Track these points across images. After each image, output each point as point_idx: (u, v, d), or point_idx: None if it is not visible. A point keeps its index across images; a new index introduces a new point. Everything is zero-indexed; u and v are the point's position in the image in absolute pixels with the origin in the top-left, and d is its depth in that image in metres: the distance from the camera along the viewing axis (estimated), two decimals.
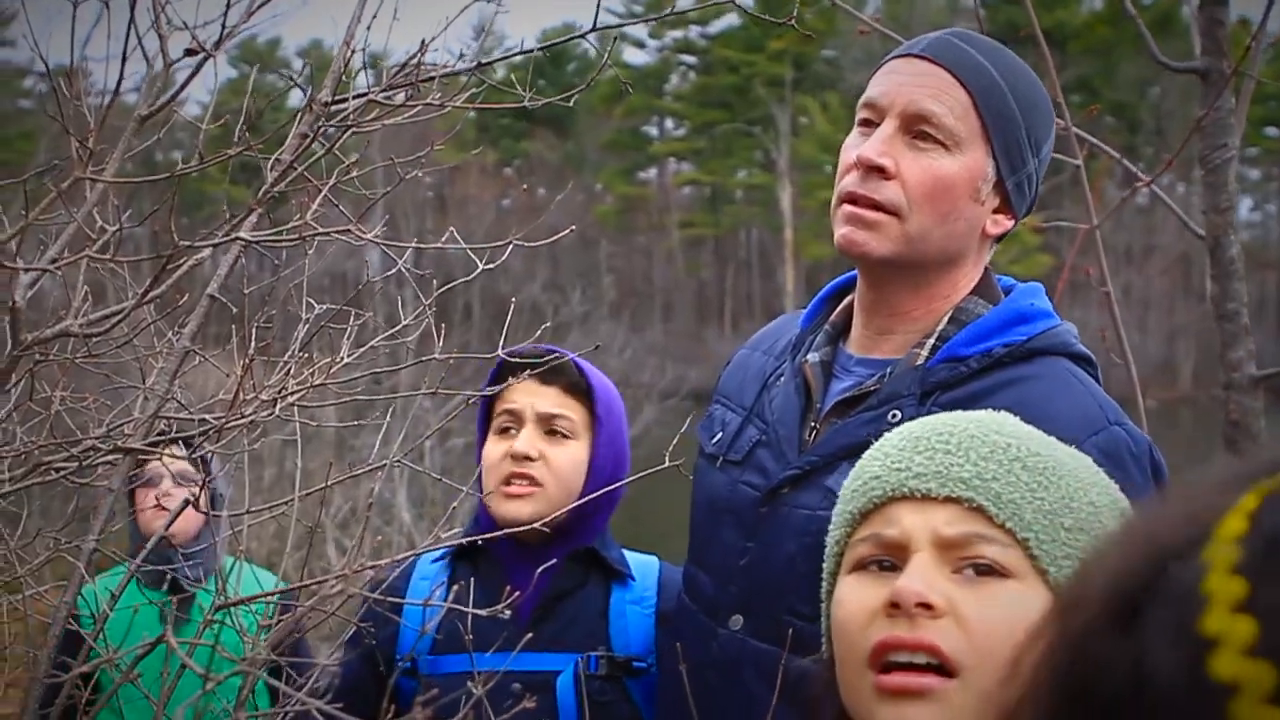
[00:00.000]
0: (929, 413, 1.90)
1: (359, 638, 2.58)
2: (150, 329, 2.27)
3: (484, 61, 2.04)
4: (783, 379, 2.28)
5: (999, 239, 2.22)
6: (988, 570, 1.38)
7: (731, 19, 52.17)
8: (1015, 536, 1.39)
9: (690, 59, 57.58)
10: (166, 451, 2.12)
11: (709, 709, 2.15)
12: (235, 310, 2.16)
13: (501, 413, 2.76)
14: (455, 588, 2.33)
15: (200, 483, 2.99)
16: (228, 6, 1.90)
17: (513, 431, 2.73)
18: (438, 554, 2.73)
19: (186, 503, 2.25)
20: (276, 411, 2.16)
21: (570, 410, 2.75)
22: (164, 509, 3.36)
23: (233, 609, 2.15)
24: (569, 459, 2.71)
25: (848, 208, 2.11)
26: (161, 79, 1.99)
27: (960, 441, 1.44)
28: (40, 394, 2.20)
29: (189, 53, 1.99)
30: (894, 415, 2.05)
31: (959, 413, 1.53)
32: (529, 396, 2.74)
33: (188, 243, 1.89)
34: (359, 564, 2.00)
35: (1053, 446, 1.48)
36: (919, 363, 2.11)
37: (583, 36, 2.31)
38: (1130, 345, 4.02)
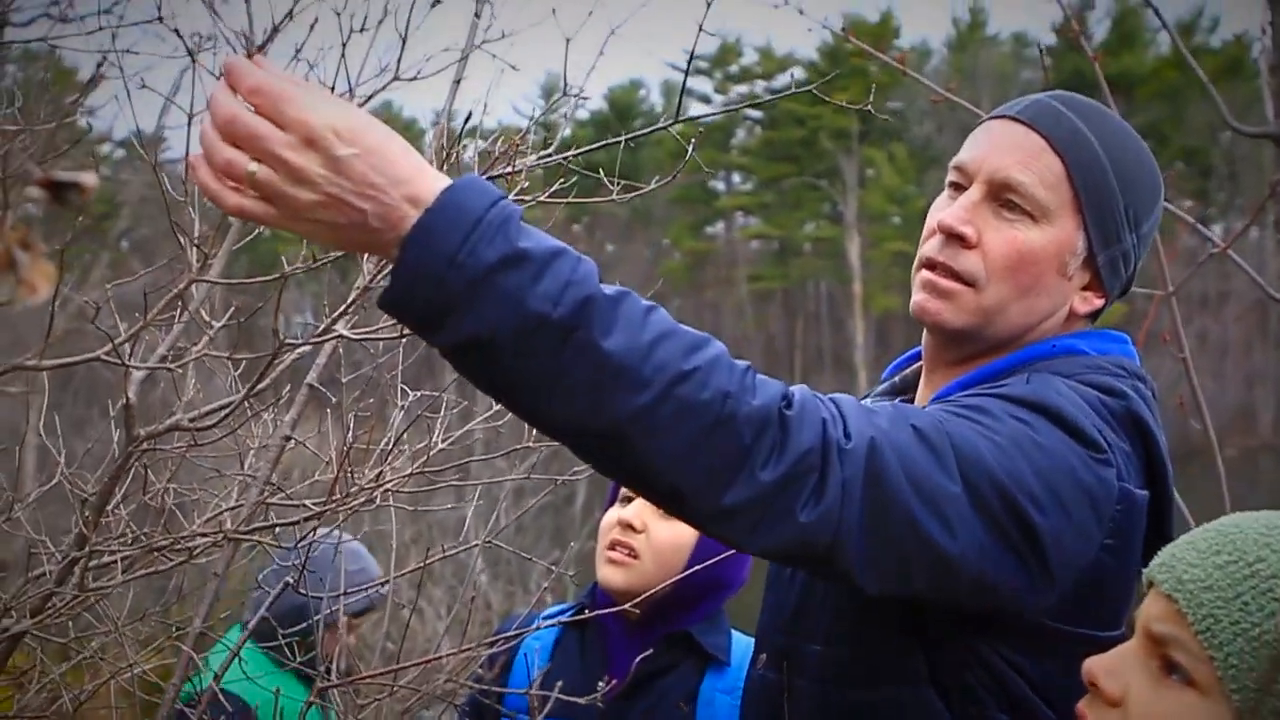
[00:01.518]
0: None
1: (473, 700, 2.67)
2: (255, 420, 2.36)
3: (568, 156, 2.11)
4: None
5: (1092, 317, 2.09)
6: (1176, 669, 1.42)
7: (797, 72, 52.37)
8: (1206, 651, 1.39)
9: (756, 113, 57.75)
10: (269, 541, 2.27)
11: None
12: (334, 400, 2.24)
13: None
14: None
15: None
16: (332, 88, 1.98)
17: (631, 501, 2.80)
18: (550, 612, 2.83)
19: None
20: (378, 501, 2.23)
21: None
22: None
23: None
24: (671, 538, 2.75)
25: (925, 274, 2.03)
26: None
27: (1211, 541, 1.45)
28: (151, 484, 2.28)
29: None
30: None
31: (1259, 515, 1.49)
32: None
33: (291, 341, 1.97)
34: (468, 646, 2.06)
35: None
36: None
37: (665, 128, 2.38)
38: (1206, 394, 4.01)
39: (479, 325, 1.52)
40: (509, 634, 2.52)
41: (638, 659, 2.41)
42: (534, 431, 2.35)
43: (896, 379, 2.25)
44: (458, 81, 2.49)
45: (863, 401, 1.92)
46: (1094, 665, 1.49)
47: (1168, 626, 1.43)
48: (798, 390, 1.68)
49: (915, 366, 2.24)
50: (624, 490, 2.82)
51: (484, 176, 2.19)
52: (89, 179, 1.18)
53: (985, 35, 53.36)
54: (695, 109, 59.30)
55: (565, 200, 2.30)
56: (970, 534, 1.69)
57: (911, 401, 2.16)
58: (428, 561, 2.45)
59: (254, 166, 1.47)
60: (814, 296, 55.54)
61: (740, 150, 58.02)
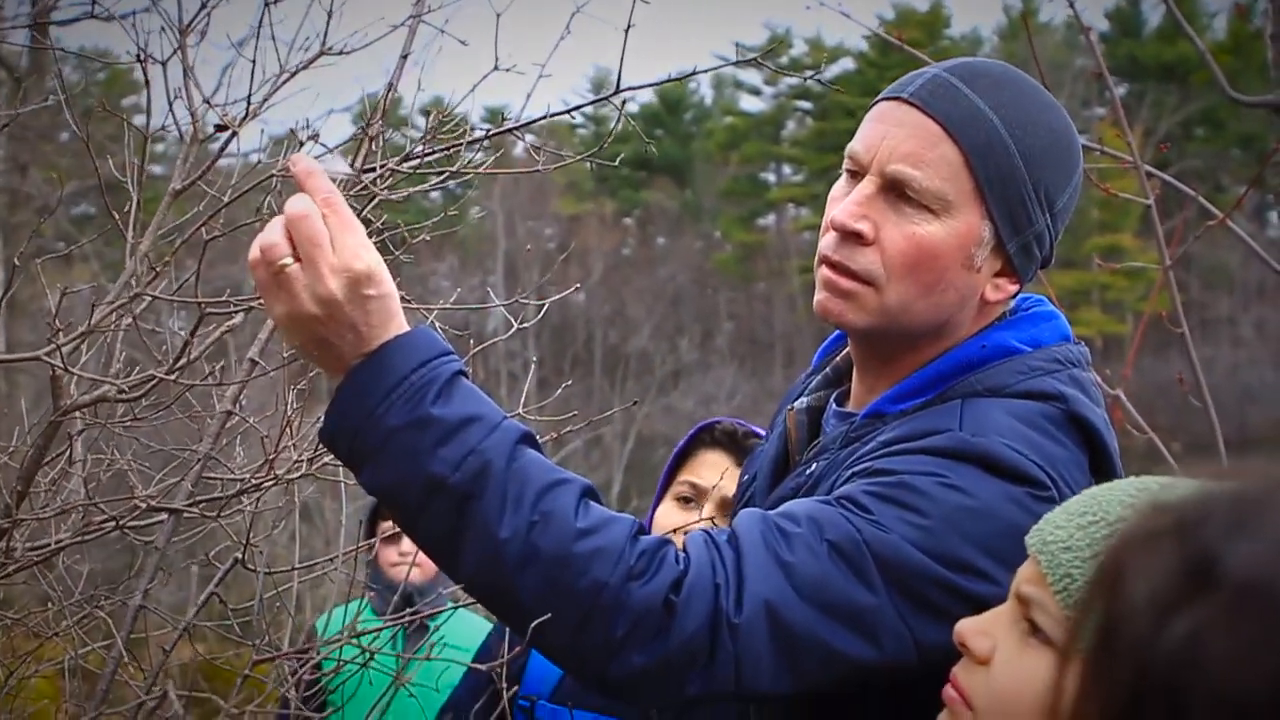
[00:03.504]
0: (843, 462, 1.90)
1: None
2: (198, 391, 2.36)
3: (566, 110, 2.10)
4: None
5: (1011, 300, 2.00)
6: (1038, 630, 1.42)
7: (846, 63, 51.95)
8: (1063, 611, 1.39)
9: (806, 105, 57.51)
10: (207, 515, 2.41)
11: None
12: (272, 374, 2.24)
13: (684, 481, 2.79)
14: None
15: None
16: (250, 89, 1.99)
17: (693, 505, 2.76)
18: None
19: None
20: (314, 469, 2.23)
21: None
22: (408, 563, 4.36)
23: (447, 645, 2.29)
24: None
25: (824, 271, 1.94)
26: (193, 153, 2.08)
27: (1082, 503, 1.45)
28: (97, 457, 2.30)
29: (219, 129, 2.09)
30: (813, 468, 1.97)
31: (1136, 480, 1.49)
32: (719, 479, 2.76)
33: (212, 309, 1.97)
34: None
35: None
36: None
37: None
38: (1266, 383, 3.96)
39: (384, 478, 1.67)
40: None
41: None
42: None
43: (829, 370, 2.20)
44: (405, 56, 2.47)
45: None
46: (964, 626, 1.48)
47: (1032, 588, 1.42)
48: (694, 559, 1.70)
49: (847, 351, 2.18)
50: (679, 488, 2.80)
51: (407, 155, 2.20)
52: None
53: (1038, 23, 52.82)
54: (744, 101, 59.00)
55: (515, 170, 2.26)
56: (896, 637, 1.71)
57: (847, 395, 2.12)
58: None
59: (289, 261, 1.64)
60: None
61: (791, 142, 57.79)
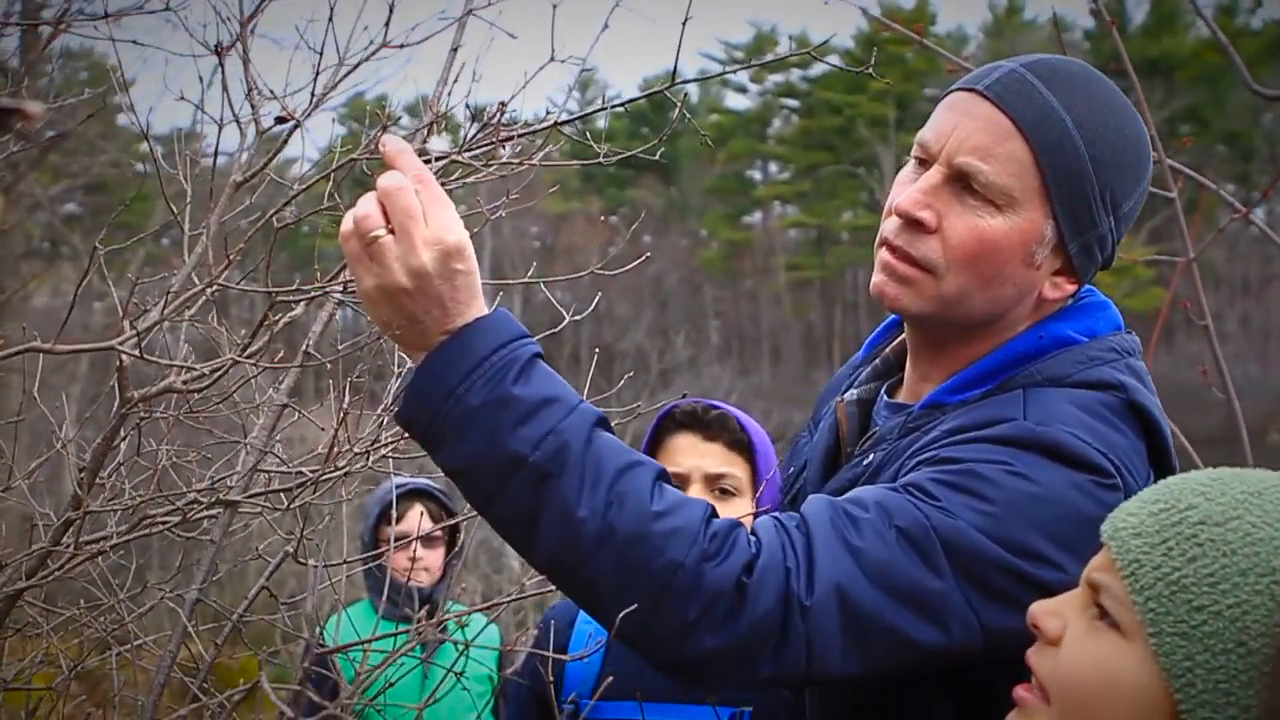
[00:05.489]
0: (903, 451, 1.91)
1: (526, 674, 2.68)
2: (254, 385, 2.36)
3: (558, 121, 2.10)
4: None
5: (1069, 299, 2.00)
6: (1106, 614, 1.42)
7: (834, 59, 52.07)
8: (1130, 595, 1.39)
9: (792, 102, 57.57)
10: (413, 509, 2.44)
11: None
12: (330, 366, 2.24)
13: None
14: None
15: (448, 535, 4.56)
16: (315, 76, 1.99)
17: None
18: None
19: None
20: (370, 462, 2.23)
21: (735, 468, 2.80)
22: (417, 566, 4.57)
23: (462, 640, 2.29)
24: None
25: (884, 255, 1.95)
26: (255, 145, 2.08)
27: (1156, 492, 1.44)
28: (147, 449, 2.29)
29: (279, 120, 2.08)
30: (870, 458, 1.98)
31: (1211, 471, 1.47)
32: (695, 458, 2.78)
33: (283, 298, 1.97)
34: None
35: (1241, 522, 1.36)
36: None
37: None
38: (1251, 378, 3.99)
39: (464, 456, 1.69)
40: None
41: None
42: None
43: (878, 362, 2.21)
44: (455, 49, 2.46)
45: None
46: (1037, 607, 1.49)
47: (1102, 574, 1.42)
48: (765, 543, 1.71)
49: (898, 341, 2.20)
50: (691, 484, 2.81)
51: (463, 146, 2.20)
52: (34, 107, 1.18)
53: (1022, 20, 52.94)
54: (730, 99, 59.03)
55: (548, 164, 2.26)
56: (963, 622, 1.72)
57: (899, 384, 2.14)
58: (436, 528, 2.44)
59: (382, 233, 1.67)
60: (852, 285, 55.26)
61: (777, 139, 57.85)
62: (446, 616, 2.58)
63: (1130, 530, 1.40)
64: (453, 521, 4.08)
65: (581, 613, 2.90)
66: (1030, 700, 1.47)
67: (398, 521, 4.51)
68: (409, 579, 4.53)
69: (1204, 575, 1.33)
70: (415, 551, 4.60)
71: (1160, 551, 1.36)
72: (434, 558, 4.76)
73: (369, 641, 2.21)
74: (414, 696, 2.31)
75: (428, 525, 4.57)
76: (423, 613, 2.74)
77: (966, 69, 4.11)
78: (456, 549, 4.85)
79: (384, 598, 2.83)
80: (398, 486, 4.18)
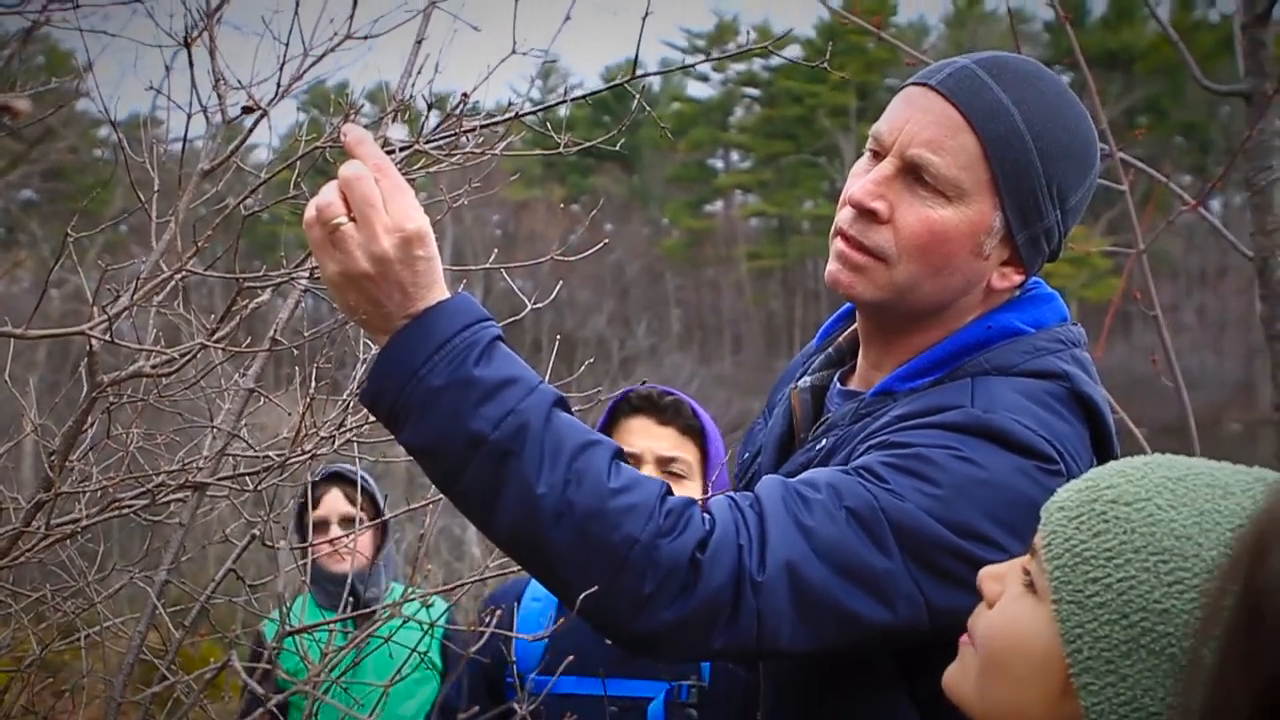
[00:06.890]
0: (855, 436, 1.98)
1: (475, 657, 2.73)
2: (220, 371, 2.39)
3: (519, 114, 2.14)
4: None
5: (1016, 289, 2.06)
6: (1030, 583, 1.50)
7: (795, 50, 52.11)
8: (1045, 564, 1.46)
9: (754, 91, 57.62)
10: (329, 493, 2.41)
11: None
12: (296, 352, 2.27)
13: None
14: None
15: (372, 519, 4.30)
16: (281, 66, 2.02)
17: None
18: None
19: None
20: (335, 447, 2.27)
21: (686, 452, 2.87)
22: (338, 552, 4.45)
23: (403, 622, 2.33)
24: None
25: (839, 244, 2.02)
26: (221, 134, 2.11)
27: (1092, 473, 1.51)
28: (116, 433, 2.32)
29: (246, 110, 2.12)
30: (823, 443, 2.04)
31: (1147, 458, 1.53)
32: (648, 440, 2.85)
33: (250, 284, 2.00)
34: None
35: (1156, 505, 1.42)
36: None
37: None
38: (1206, 368, 4.06)
39: (426, 435, 1.74)
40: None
41: None
42: None
43: (831, 350, 2.27)
44: (419, 41, 2.50)
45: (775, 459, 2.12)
46: (985, 571, 1.58)
47: (1036, 543, 1.50)
48: (719, 520, 1.77)
49: (851, 330, 2.26)
50: (644, 465, 2.87)
51: (424, 136, 2.23)
52: (22, 103, 1.21)
53: (983, 11, 53.15)
54: (692, 88, 59.06)
55: (510, 154, 2.30)
56: (909, 600, 1.78)
57: (852, 372, 2.20)
58: (392, 515, 2.48)
59: (344, 220, 1.72)
60: (813, 274, 55.40)
61: (738, 128, 57.89)
62: (385, 605, 2.60)
63: (1057, 504, 1.48)
64: (384, 518, 3.88)
65: (527, 590, 2.95)
66: (967, 649, 1.56)
67: (315, 507, 4.45)
68: (331, 565, 4.51)
69: (1103, 549, 1.40)
70: (331, 533, 4.51)
71: (1074, 525, 1.44)
72: (361, 542, 4.60)
73: (301, 631, 2.25)
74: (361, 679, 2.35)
75: (345, 509, 4.51)
76: (347, 598, 2.79)
77: (925, 62, 4.18)
78: (389, 534, 4.73)
79: (309, 584, 2.84)
80: (314, 473, 4.07)
